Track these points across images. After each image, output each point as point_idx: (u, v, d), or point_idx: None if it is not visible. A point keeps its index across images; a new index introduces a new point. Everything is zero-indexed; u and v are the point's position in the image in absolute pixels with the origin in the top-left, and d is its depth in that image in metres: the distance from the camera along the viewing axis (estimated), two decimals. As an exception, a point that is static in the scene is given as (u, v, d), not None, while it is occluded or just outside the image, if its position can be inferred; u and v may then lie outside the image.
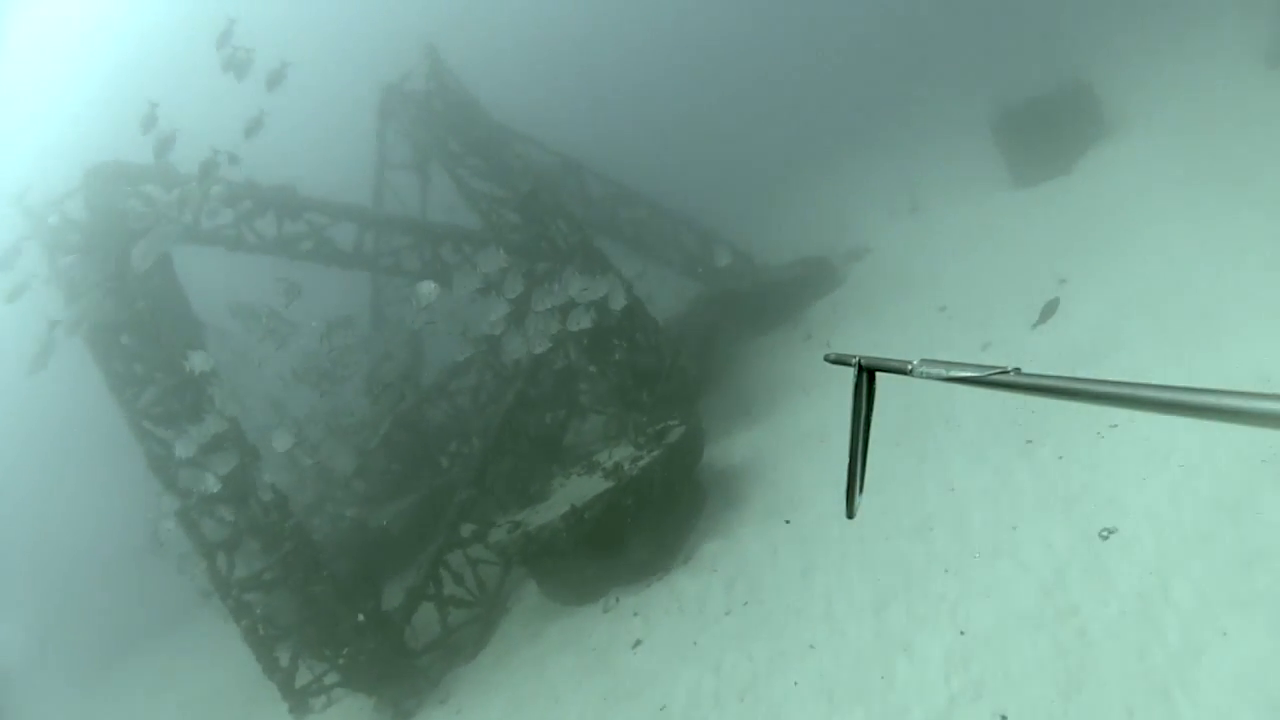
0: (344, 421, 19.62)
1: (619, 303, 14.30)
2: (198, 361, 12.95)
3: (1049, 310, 12.50)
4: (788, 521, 10.88)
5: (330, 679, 11.80)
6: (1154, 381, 1.26)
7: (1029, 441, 9.53)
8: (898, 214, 23.30)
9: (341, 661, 11.40)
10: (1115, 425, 8.80)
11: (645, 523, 11.14)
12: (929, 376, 1.81)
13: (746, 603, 9.71)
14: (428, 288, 14.52)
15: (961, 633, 7.38)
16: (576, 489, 11.79)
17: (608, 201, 21.52)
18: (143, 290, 13.72)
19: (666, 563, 11.23)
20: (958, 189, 21.60)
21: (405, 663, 11.55)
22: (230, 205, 16.44)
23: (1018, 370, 1.53)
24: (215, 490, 12.11)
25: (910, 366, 1.89)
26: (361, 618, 11.23)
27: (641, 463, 11.34)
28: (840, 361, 2.19)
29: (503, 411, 14.63)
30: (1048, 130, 19.13)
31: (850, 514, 2.37)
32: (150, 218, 15.84)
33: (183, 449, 11.88)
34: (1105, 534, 7.53)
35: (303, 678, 11.89)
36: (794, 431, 13.38)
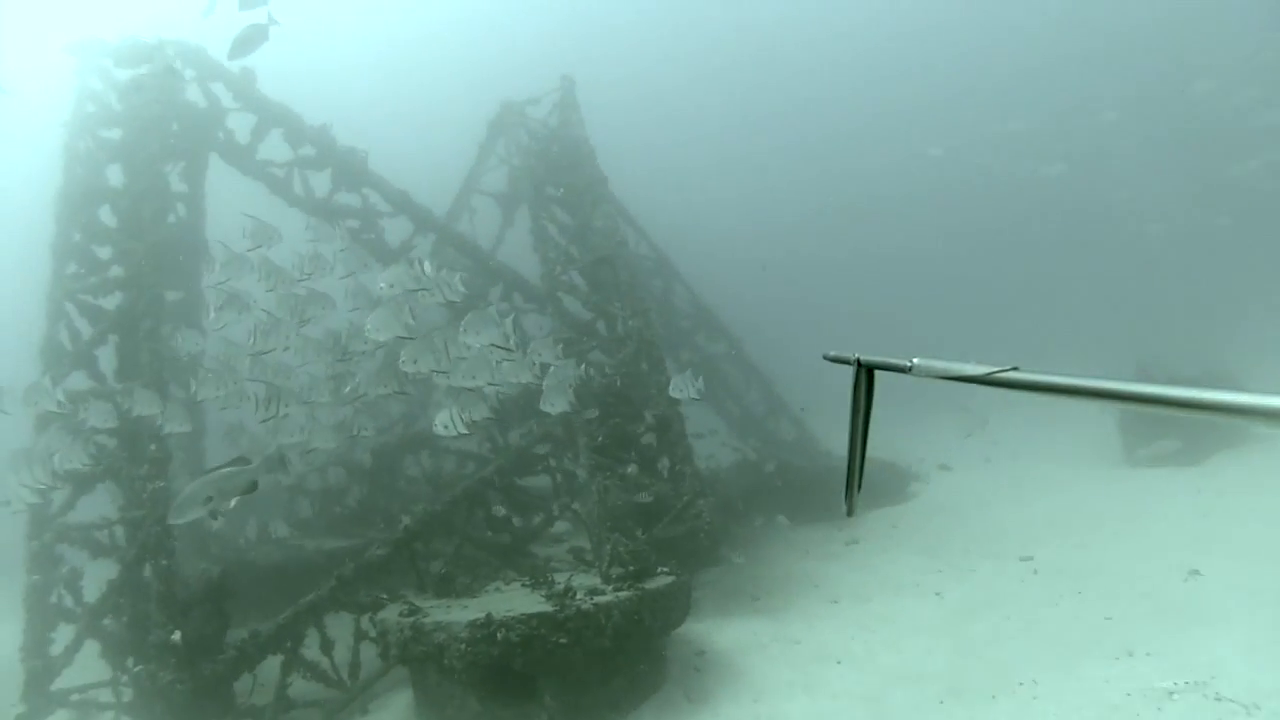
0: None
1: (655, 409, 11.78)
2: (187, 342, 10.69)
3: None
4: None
5: (102, 696, 8.91)
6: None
7: None
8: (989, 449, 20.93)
9: (125, 679, 8.54)
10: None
11: (570, 677, 8.26)
12: (929, 375, 1.79)
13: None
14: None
15: None
16: (508, 600, 9.00)
17: (688, 320, 19.20)
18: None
19: (576, 740, 8.30)
20: (1066, 451, 19.19)
21: (208, 718, 8.64)
22: (292, 144, 14.46)
23: (1017, 369, 1.50)
24: (106, 424, 9.59)
25: (910, 365, 1.87)
26: (176, 636, 8.40)
27: (601, 599, 8.50)
28: (839, 359, 2.22)
29: (471, 481, 11.99)
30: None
31: (849, 512, 2.44)
32: (201, 123, 13.95)
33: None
34: None
35: (69, 680, 9.00)
36: (804, 644, 10.48)
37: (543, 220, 15.46)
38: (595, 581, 9.34)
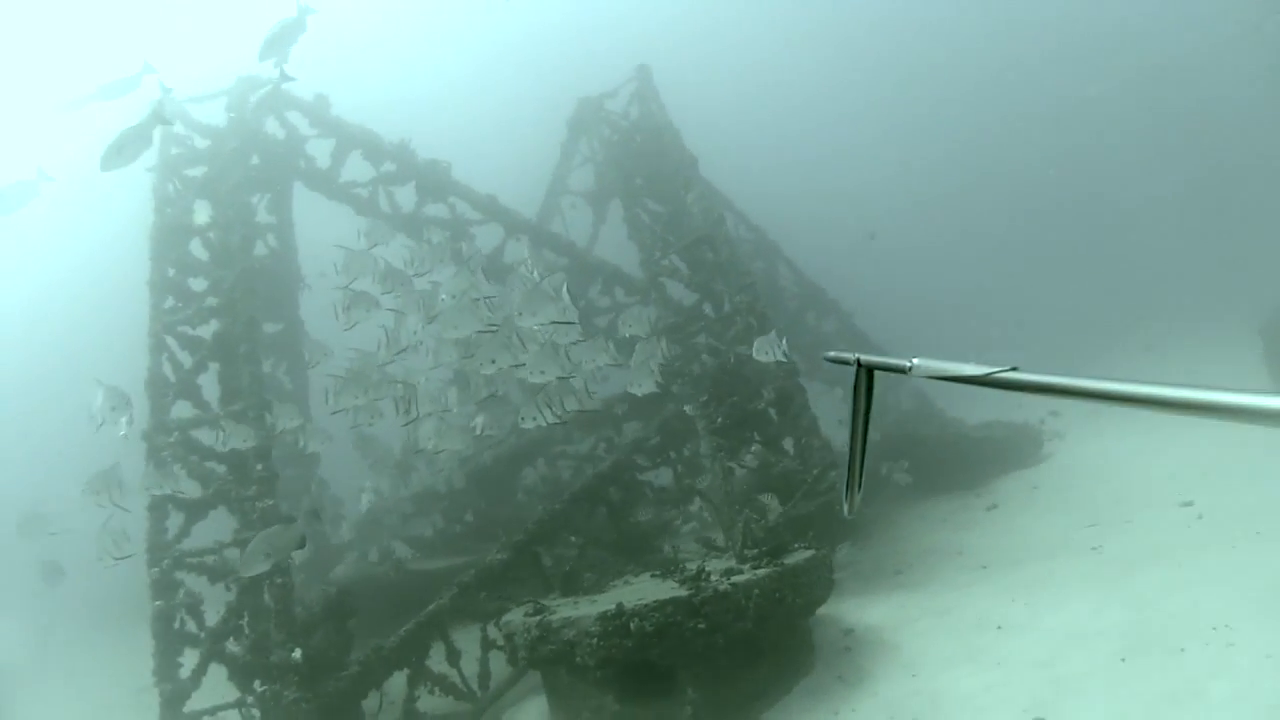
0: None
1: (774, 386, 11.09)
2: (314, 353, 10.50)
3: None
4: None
5: (232, 718, 8.61)
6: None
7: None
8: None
9: (252, 700, 8.20)
10: None
11: (712, 666, 7.59)
12: (927, 376, 1.76)
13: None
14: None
15: None
16: (639, 591, 8.39)
17: (795, 300, 18.42)
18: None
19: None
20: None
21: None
22: (373, 163, 14.27)
23: (1015, 369, 1.49)
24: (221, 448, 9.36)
25: (909, 365, 1.84)
26: (298, 654, 8.03)
27: (739, 578, 7.82)
28: (839, 360, 2.21)
29: (590, 478, 11.47)
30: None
31: (849, 512, 2.42)
32: (282, 151, 13.87)
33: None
34: None
35: (199, 702, 8.73)
36: (957, 613, 9.64)
37: (635, 209, 14.96)
38: (729, 564, 8.69)
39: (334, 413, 8.95)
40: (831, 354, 2.29)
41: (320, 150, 14.23)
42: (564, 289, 8.49)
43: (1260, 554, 9.15)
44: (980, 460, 15.80)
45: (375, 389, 8.97)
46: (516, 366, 8.39)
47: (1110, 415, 19.52)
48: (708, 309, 13.33)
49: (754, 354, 9.92)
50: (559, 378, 8.35)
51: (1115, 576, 9.63)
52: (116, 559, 7.86)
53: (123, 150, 9.36)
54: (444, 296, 8.88)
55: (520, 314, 8.16)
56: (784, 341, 9.86)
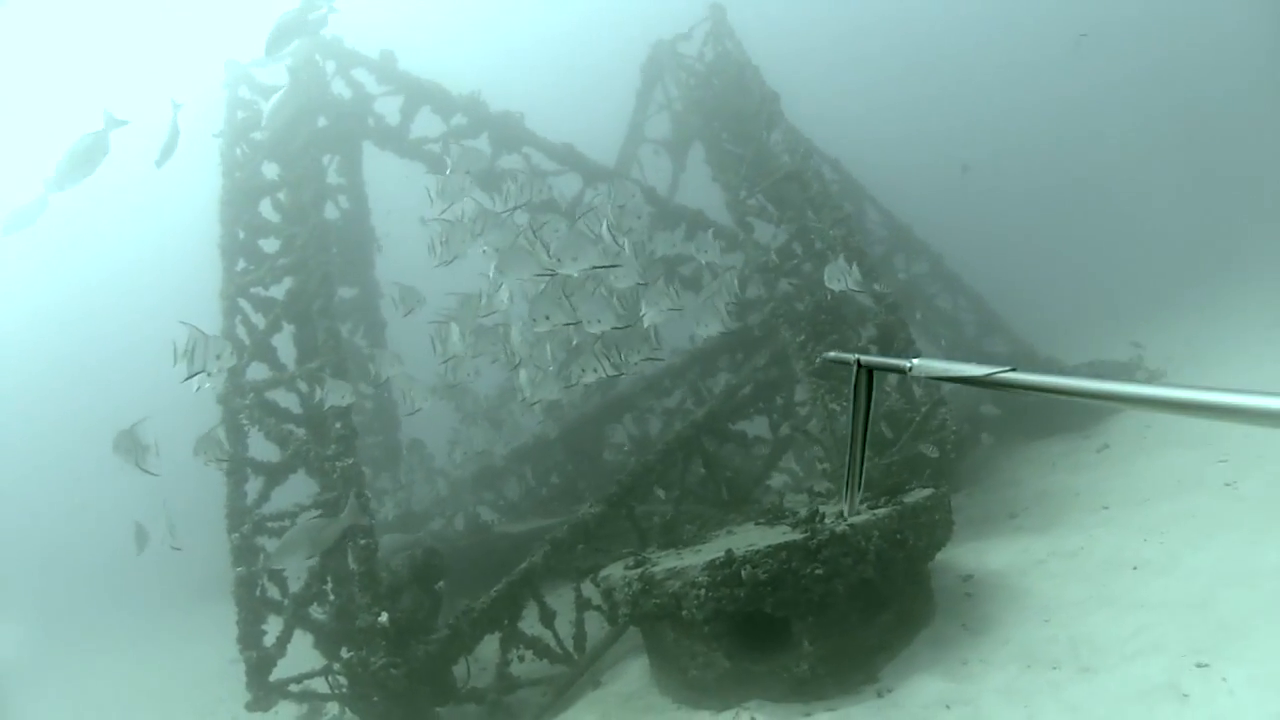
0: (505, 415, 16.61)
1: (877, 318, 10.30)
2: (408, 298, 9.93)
3: None
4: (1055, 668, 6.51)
5: (320, 687, 8.22)
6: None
7: None
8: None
9: (338, 667, 7.77)
10: None
11: (830, 616, 6.91)
12: (927, 376, 1.73)
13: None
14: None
15: None
16: (747, 538, 7.74)
17: (885, 243, 17.53)
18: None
19: (843, 687, 6.95)
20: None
21: (427, 704, 7.77)
22: (443, 116, 13.73)
23: (1014, 369, 1.47)
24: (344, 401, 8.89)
25: (909, 366, 1.82)
26: (384, 618, 7.55)
27: (858, 518, 7.12)
28: (839, 360, 2.22)
29: (684, 427, 10.84)
30: None
31: (849, 512, 2.58)
32: (349, 112, 13.42)
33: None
34: None
35: (286, 670, 8.35)
36: (1085, 555, 8.82)
37: (718, 150, 14.25)
38: (841, 509, 7.98)
39: (444, 361, 8.34)
40: (832, 354, 2.29)
41: (389, 109, 13.76)
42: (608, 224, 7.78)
43: None
44: (1084, 402, 14.77)
45: (482, 337, 8.37)
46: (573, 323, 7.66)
47: (1206, 346, 18.43)
48: (797, 248, 12.58)
49: (826, 281, 9.18)
50: (617, 327, 7.64)
51: (1257, 512, 8.72)
52: (174, 548, 7.50)
53: (74, 169, 8.95)
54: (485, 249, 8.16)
55: (560, 259, 7.38)
56: (854, 267, 9.11)
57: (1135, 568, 8.15)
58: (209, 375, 7.32)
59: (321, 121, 12.83)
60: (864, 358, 2.12)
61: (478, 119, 13.64)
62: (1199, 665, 6.07)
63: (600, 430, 15.04)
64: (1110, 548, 8.84)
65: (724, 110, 14.68)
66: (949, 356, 15.59)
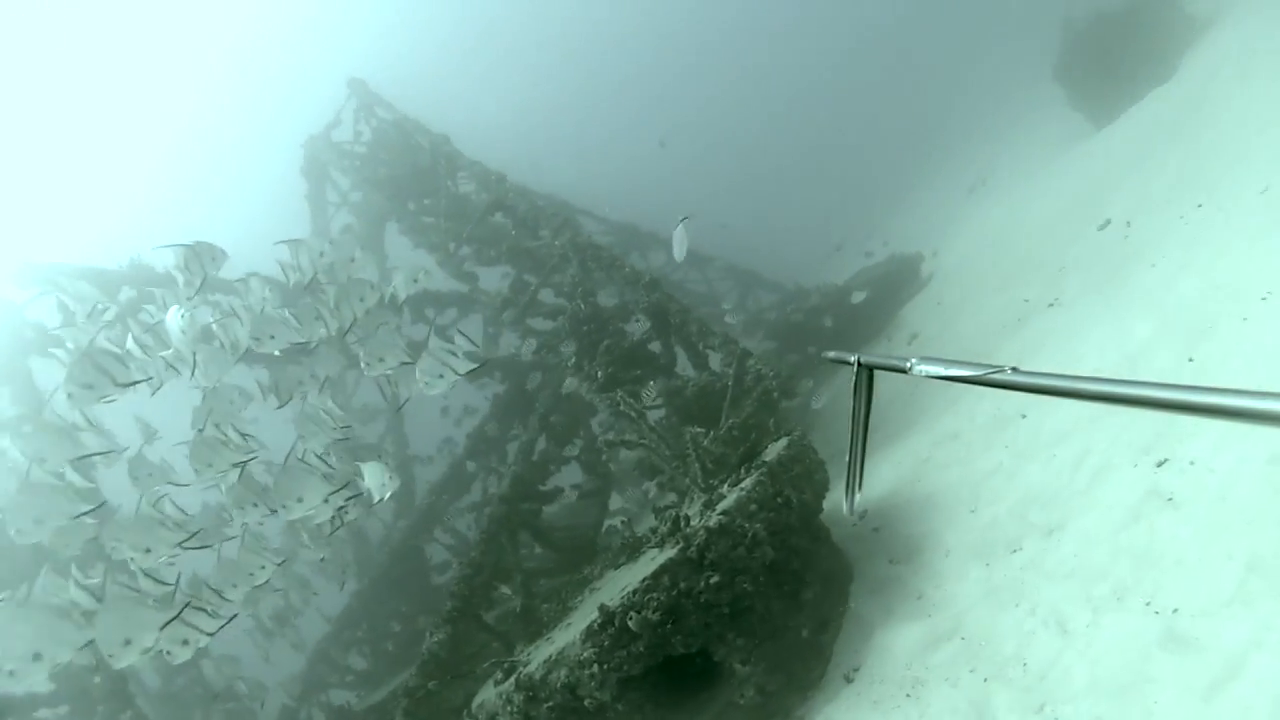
0: None
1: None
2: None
3: None
4: (1016, 549, 5.66)
5: None
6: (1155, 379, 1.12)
7: None
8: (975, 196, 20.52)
9: None
10: None
11: (749, 619, 5.74)
12: (927, 375, 1.72)
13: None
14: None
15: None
16: (615, 587, 6.44)
17: (614, 246, 16.83)
18: None
19: (804, 690, 5.82)
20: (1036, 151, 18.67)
21: None
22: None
23: (1014, 369, 1.44)
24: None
25: (909, 365, 1.81)
26: None
27: (724, 504, 5.99)
28: (839, 360, 2.18)
29: (493, 510, 9.45)
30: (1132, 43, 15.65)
31: (849, 511, 2.35)
32: None
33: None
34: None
35: None
36: (969, 429, 8.21)
37: (410, 219, 13.06)
38: (701, 503, 6.86)
39: None
40: (831, 354, 2.26)
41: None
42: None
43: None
44: (881, 306, 14.78)
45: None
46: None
47: (928, 217, 19.12)
48: (528, 277, 11.52)
49: (675, 255, 8.41)
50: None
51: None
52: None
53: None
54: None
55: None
56: (682, 221, 8.33)
57: (1024, 415, 7.49)
58: None
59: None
60: (864, 357, 2.08)
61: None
62: (1159, 464, 5.31)
63: (417, 557, 13.36)
64: (988, 411, 8.17)
65: (402, 177, 13.49)
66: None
